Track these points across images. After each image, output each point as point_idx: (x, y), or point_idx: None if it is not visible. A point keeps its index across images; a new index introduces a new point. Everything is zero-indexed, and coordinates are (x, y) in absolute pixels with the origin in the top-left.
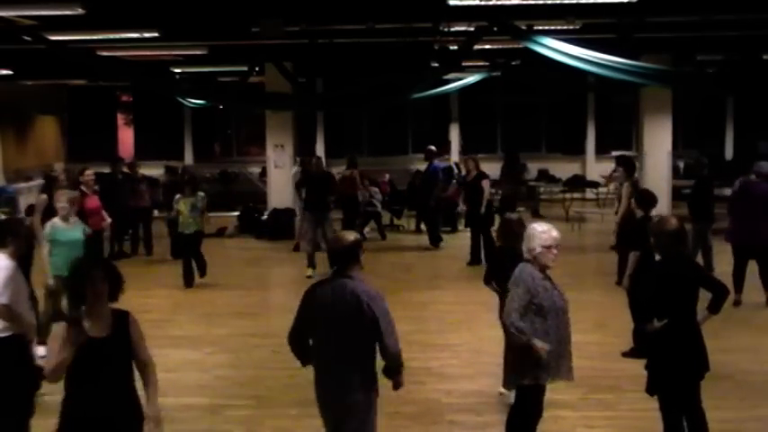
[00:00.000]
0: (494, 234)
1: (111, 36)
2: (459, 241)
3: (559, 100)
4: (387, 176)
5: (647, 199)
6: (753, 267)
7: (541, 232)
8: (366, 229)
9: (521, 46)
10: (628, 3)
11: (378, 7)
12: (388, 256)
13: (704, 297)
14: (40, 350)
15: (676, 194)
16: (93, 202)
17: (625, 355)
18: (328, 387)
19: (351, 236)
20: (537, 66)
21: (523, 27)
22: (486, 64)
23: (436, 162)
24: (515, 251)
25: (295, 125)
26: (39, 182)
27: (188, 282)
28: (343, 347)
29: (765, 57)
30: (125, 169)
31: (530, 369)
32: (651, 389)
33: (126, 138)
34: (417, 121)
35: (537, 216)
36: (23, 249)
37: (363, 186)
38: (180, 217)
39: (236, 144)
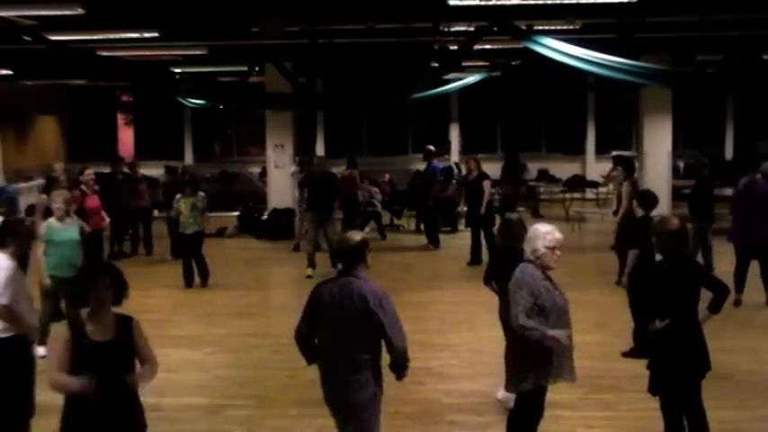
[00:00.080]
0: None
1: (111, 36)
2: (460, 241)
3: (559, 100)
4: (387, 176)
5: (649, 199)
6: (754, 267)
7: (546, 233)
8: (366, 229)
9: (521, 46)
10: (628, 3)
11: (378, 7)
12: (388, 256)
13: (704, 297)
14: (39, 350)
15: (676, 194)
16: (94, 201)
17: (625, 355)
18: (335, 386)
19: (357, 236)
20: (537, 66)
21: (523, 27)
22: (486, 64)
23: (435, 162)
24: (515, 251)
25: (295, 125)
26: (39, 182)
27: (188, 282)
28: (350, 346)
29: (765, 57)
30: (125, 169)
31: (532, 373)
32: (653, 389)
33: (126, 138)
34: (417, 121)
35: (537, 216)
36: (25, 249)
37: (363, 186)
38: (180, 217)
39: (236, 144)
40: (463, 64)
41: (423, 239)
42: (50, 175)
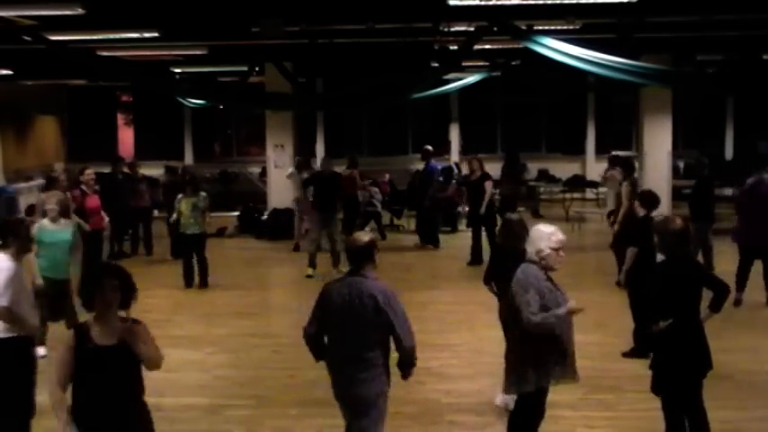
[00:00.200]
0: None
1: (111, 36)
2: (460, 241)
3: (559, 100)
4: (387, 176)
5: (650, 199)
6: (755, 267)
7: (550, 234)
8: (366, 230)
9: (521, 46)
10: (628, 3)
11: (378, 7)
12: (388, 256)
13: (705, 296)
14: (39, 350)
15: (676, 194)
16: (94, 201)
17: (625, 355)
18: (344, 383)
19: (366, 236)
20: (537, 66)
21: (523, 27)
22: (486, 64)
23: (433, 162)
24: (516, 252)
25: (295, 125)
26: (39, 182)
27: (188, 282)
28: (359, 345)
29: (765, 57)
30: (125, 169)
31: (533, 374)
32: (656, 388)
33: (126, 138)
34: (417, 121)
35: (537, 216)
36: (26, 250)
37: (363, 186)
38: (181, 217)
39: (236, 144)
40: (463, 64)
41: None
42: (50, 175)
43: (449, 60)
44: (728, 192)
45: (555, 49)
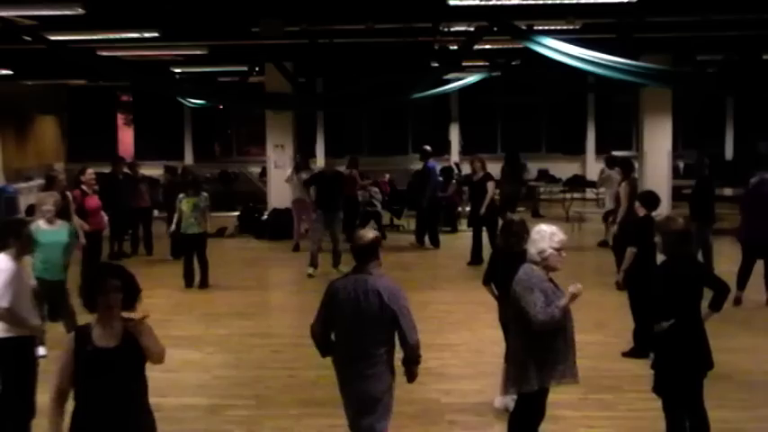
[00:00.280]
0: None
1: (111, 36)
2: (460, 241)
3: (559, 100)
4: (387, 176)
5: (651, 199)
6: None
7: (552, 234)
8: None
9: (521, 46)
10: (628, 3)
11: (378, 7)
12: (388, 256)
13: (705, 295)
14: (39, 350)
15: (676, 194)
16: (94, 201)
17: (625, 355)
18: (351, 379)
19: (370, 233)
20: (537, 66)
21: (523, 27)
22: (486, 64)
23: (431, 162)
24: (517, 252)
25: (295, 125)
26: (39, 182)
27: (188, 282)
28: (365, 341)
29: (765, 57)
30: (126, 169)
31: (535, 374)
32: (658, 388)
33: (126, 138)
34: (417, 121)
35: (537, 216)
36: (27, 251)
37: (363, 186)
38: (182, 217)
39: (236, 144)
40: (463, 64)
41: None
42: (50, 175)
43: (449, 60)
44: (728, 192)
45: (555, 49)
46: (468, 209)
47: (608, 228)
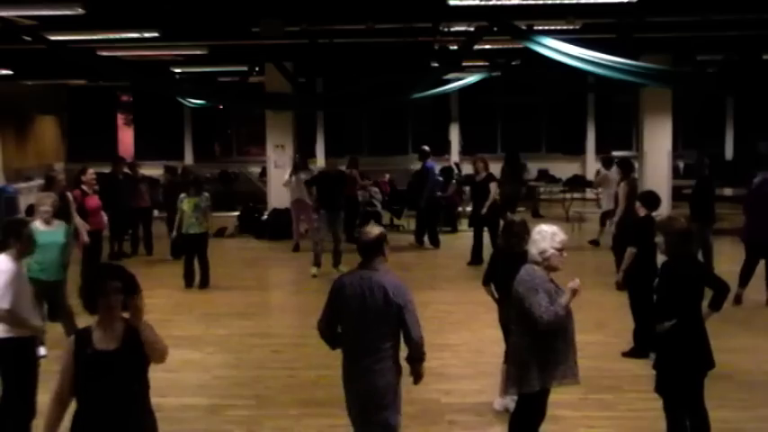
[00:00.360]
0: None
1: (111, 36)
2: (460, 241)
3: (559, 100)
4: (387, 176)
5: (652, 199)
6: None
7: (553, 234)
8: None
9: (521, 46)
10: (628, 3)
11: (378, 7)
12: (389, 256)
13: (705, 294)
14: (40, 350)
15: (676, 194)
16: (94, 201)
17: (625, 354)
18: (357, 374)
19: (376, 230)
20: (537, 66)
21: (523, 27)
22: (486, 64)
23: (429, 162)
24: (517, 253)
25: (295, 125)
26: (39, 182)
27: (188, 282)
28: (371, 336)
29: (765, 57)
30: (126, 170)
31: (537, 375)
32: (660, 388)
33: (126, 138)
34: (417, 121)
35: (537, 216)
36: (29, 251)
37: (363, 186)
38: (183, 217)
39: (236, 144)
40: (463, 64)
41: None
42: (50, 175)
43: (449, 60)
44: (729, 192)
45: (555, 49)
46: (468, 209)
47: (602, 228)
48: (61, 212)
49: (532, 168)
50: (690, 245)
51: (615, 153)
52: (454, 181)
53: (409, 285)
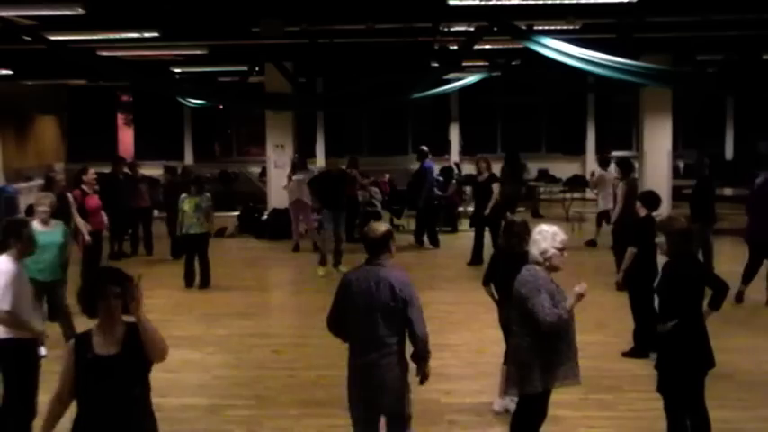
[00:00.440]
0: None
1: (111, 36)
2: (460, 241)
3: (559, 100)
4: (387, 176)
5: (653, 199)
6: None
7: (554, 234)
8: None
9: (521, 46)
10: (628, 3)
11: (378, 7)
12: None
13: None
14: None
15: (676, 194)
16: (94, 201)
17: (625, 354)
18: (363, 370)
19: (382, 227)
20: (537, 66)
21: (523, 27)
22: (486, 64)
23: (428, 162)
24: (517, 253)
25: (295, 125)
26: (39, 182)
27: (188, 282)
28: (378, 331)
29: (765, 57)
30: (126, 169)
31: (539, 376)
32: (662, 387)
33: (126, 138)
34: (417, 121)
35: (537, 216)
36: (29, 251)
37: (363, 186)
38: (184, 217)
39: (236, 144)
40: (463, 64)
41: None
42: (50, 175)
43: (449, 60)
44: (729, 192)
45: (555, 49)
46: (470, 209)
47: (599, 229)
48: (60, 213)
49: (532, 168)
50: (690, 245)
51: (615, 153)
52: (454, 181)
53: None
